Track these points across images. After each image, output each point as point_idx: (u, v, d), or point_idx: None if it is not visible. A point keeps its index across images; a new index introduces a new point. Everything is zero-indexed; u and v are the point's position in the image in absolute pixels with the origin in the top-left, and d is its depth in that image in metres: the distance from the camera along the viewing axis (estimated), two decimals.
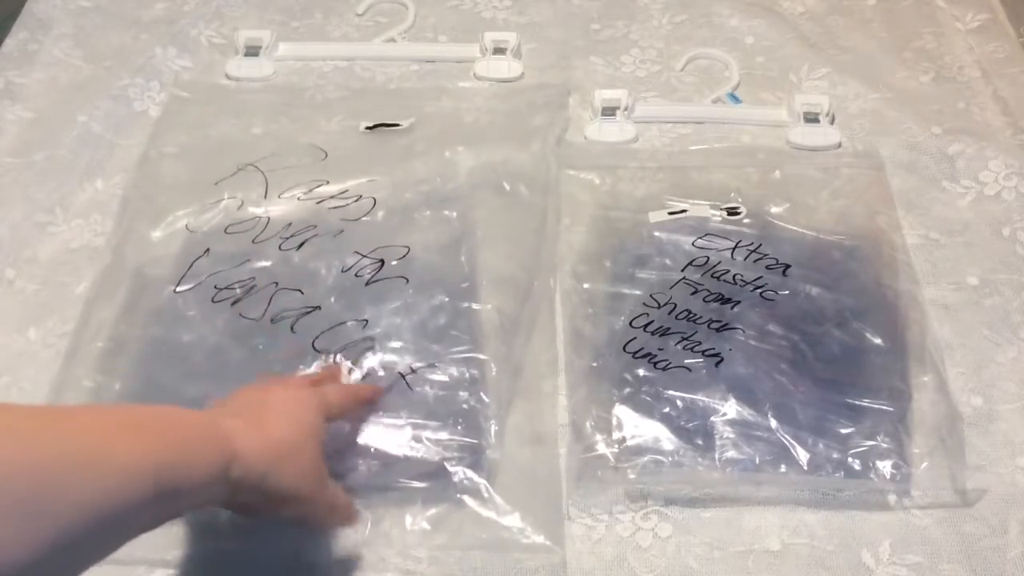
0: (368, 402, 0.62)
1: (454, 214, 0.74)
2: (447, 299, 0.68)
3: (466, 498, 0.60)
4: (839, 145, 0.82)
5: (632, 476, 0.61)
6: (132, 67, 0.88)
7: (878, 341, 0.67)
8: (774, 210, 0.75)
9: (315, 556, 0.59)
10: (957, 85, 0.88)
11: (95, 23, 0.94)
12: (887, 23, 0.95)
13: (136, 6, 0.96)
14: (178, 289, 0.68)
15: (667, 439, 0.62)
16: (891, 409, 0.63)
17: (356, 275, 0.69)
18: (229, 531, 0.60)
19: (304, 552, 0.60)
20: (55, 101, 0.87)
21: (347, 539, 0.60)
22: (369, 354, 0.65)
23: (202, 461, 0.44)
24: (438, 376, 0.64)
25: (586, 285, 0.71)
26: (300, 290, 0.68)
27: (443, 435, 0.62)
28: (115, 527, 0.39)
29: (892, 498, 0.62)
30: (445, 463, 0.61)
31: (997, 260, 0.75)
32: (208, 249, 0.70)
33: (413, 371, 0.64)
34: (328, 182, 0.75)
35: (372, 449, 0.61)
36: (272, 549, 0.60)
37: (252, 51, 0.90)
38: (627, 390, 0.64)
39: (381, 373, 0.64)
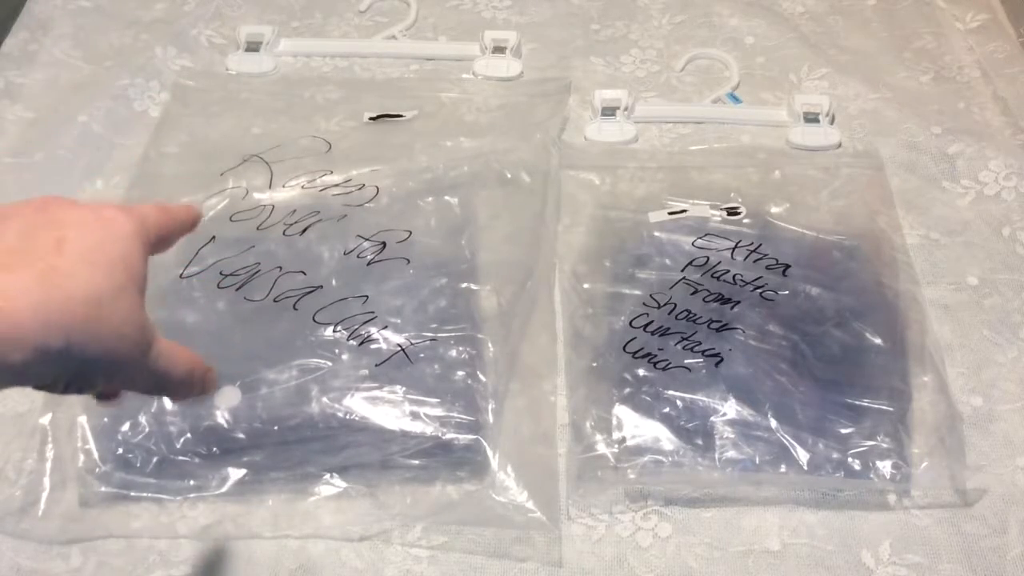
0: (186, 223, 0.44)
1: (456, 200, 0.74)
2: (447, 280, 0.69)
3: (463, 474, 0.62)
4: (839, 145, 0.82)
5: (632, 476, 0.61)
6: (132, 67, 0.88)
7: (878, 341, 0.67)
8: (774, 210, 0.75)
9: (314, 555, 0.60)
10: (957, 85, 0.88)
11: (95, 23, 0.94)
12: (887, 23, 0.95)
13: (136, 6, 0.96)
14: (184, 274, 0.69)
15: (667, 439, 0.62)
16: (891, 409, 0.63)
17: (358, 256, 0.70)
18: (229, 528, 0.60)
19: (303, 551, 0.60)
20: (55, 101, 0.87)
21: (347, 532, 0.60)
22: (369, 327, 0.66)
23: None
24: (436, 353, 0.65)
25: (586, 285, 0.71)
26: (303, 271, 0.69)
27: (440, 411, 0.62)
28: None
29: (892, 498, 0.62)
30: (443, 439, 0.61)
31: (997, 260, 0.75)
32: (214, 236, 0.71)
33: (412, 345, 0.65)
34: (332, 172, 0.76)
35: (370, 423, 0.62)
36: (270, 547, 0.60)
37: (253, 46, 0.90)
38: (627, 390, 0.64)
39: (381, 345, 0.65)
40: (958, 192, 0.79)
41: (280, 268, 0.69)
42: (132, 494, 0.61)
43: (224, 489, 0.61)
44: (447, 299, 0.68)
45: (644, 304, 0.69)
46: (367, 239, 0.71)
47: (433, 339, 0.65)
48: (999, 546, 0.60)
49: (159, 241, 0.40)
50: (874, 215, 0.75)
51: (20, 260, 0.32)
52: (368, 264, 0.70)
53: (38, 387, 0.35)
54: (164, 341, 0.38)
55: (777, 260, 0.71)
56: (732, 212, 0.75)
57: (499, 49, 0.89)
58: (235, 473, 0.61)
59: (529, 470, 0.62)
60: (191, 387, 0.41)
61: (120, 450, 0.61)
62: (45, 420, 0.63)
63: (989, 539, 0.60)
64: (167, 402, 0.62)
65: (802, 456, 0.61)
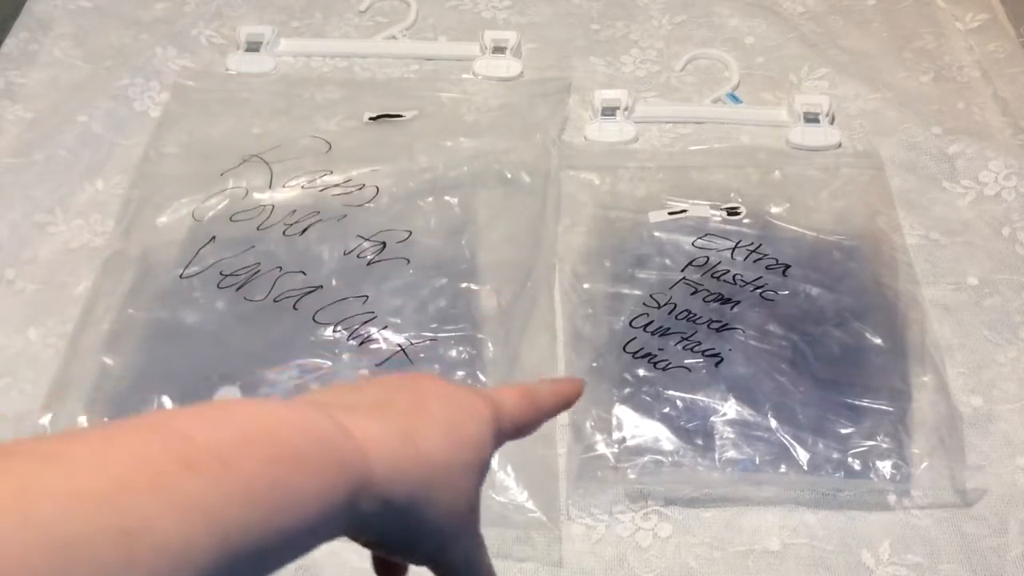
0: (558, 405, 0.42)
1: (456, 200, 0.75)
2: (447, 280, 0.69)
3: None
4: (839, 145, 0.82)
5: (632, 476, 0.61)
6: (132, 67, 0.88)
7: (878, 341, 0.67)
8: (774, 210, 0.75)
9: (314, 555, 0.59)
10: (957, 85, 0.88)
11: (95, 23, 0.94)
12: (887, 23, 0.95)
13: (136, 6, 0.96)
14: (184, 274, 0.69)
15: (667, 439, 0.62)
16: (891, 409, 0.63)
17: (358, 256, 0.70)
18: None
19: None
20: (55, 101, 0.87)
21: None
22: (369, 327, 0.66)
23: (308, 496, 0.28)
24: (436, 353, 0.65)
25: (586, 285, 0.71)
26: (303, 271, 0.69)
27: None
28: None
29: (892, 498, 0.62)
30: None
31: (997, 260, 0.75)
32: (214, 236, 0.71)
33: (412, 345, 0.65)
34: (332, 172, 0.76)
35: None
36: None
37: (253, 46, 0.90)
38: (627, 390, 0.64)
39: (381, 345, 0.65)
40: (958, 192, 0.79)
41: (280, 268, 0.69)
42: None
43: None
44: (447, 299, 0.68)
45: (644, 304, 0.69)
46: (367, 239, 0.71)
47: (433, 339, 0.65)
48: (999, 546, 0.60)
49: (515, 430, 0.39)
50: (874, 215, 0.75)
51: (382, 413, 0.33)
52: (368, 264, 0.70)
53: (360, 541, 0.34)
54: (480, 538, 0.38)
55: (777, 260, 0.71)
56: (732, 212, 0.75)
57: (499, 49, 0.89)
58: None
59: (529, 470, 0.62)
60: None
61: None
62: (45, 420, 0.63)
63: (989, 539, 0.60)
64: (167, 402, 0.62)
65: (802, 456, 0.61)
